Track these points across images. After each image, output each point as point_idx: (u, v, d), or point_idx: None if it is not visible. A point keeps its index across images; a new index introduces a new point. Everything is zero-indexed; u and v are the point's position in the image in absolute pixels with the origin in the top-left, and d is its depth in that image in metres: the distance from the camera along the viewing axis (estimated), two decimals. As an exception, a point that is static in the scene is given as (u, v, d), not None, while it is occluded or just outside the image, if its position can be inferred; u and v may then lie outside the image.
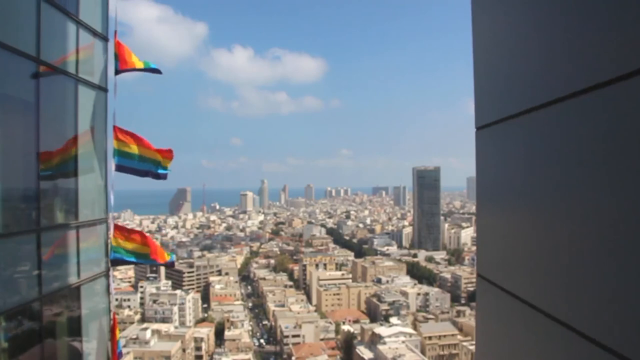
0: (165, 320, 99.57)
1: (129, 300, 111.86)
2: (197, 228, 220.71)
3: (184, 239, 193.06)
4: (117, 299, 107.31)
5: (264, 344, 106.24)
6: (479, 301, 3.59)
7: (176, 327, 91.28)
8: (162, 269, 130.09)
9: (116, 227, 10.17)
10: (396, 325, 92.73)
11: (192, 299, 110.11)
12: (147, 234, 11.04)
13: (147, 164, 10.24)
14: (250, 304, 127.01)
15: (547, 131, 2.52)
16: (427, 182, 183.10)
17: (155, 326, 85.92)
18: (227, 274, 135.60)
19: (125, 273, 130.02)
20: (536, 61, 2.58)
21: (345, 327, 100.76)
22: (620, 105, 1.88)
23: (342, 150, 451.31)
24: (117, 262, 10.25)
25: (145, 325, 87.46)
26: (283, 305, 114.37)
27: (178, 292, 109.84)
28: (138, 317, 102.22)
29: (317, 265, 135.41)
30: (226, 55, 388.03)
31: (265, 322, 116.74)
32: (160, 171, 10.44)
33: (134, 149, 9.93)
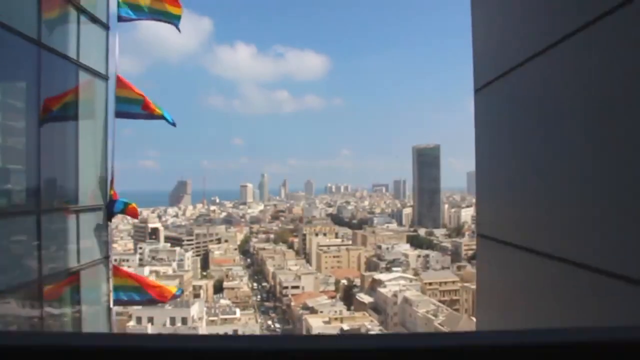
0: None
1: (128, 260, 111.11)
2: (198, 217, 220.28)
3: (183, 223, 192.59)
4: (115, 260, 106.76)
5: (263, 302, 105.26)
6: (480, 259, 3.82)
7: (174, 271, 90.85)
8: (162, 236, 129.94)
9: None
10: (396, 271, 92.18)
11: (191, 256, 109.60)
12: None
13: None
14: (250, 272, 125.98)
15: (543, 79, 2.60)
16: (426, 160, 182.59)
17: (154, 268, 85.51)
18: (226, 241, 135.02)
19: (124, 245, 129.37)
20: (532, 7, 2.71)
21: (345, 282, 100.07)
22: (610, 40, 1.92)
23: (343, 151, 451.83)
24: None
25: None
26: (282, 268, 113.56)
27: (177, 249, 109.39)
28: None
29: (316, 234, 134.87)
30: (229, 51, 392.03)
31: (264, 284, 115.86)
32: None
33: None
